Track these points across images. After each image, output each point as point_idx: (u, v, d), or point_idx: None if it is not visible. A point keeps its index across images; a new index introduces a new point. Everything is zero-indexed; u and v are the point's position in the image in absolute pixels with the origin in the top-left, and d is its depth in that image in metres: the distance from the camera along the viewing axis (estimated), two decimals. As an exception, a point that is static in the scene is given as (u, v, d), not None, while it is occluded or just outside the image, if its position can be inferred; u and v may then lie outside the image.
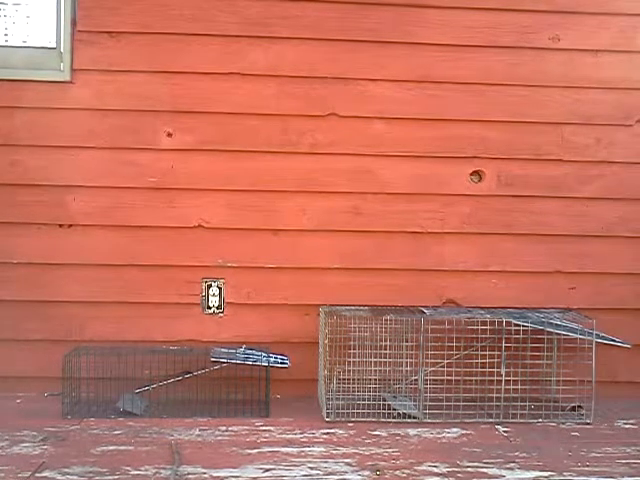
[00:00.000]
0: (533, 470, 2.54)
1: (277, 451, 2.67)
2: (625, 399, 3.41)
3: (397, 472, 2.49)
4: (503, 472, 2.52)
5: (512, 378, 3.13)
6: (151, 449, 2.67)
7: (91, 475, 2.41)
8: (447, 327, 3.16)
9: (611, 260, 3.49)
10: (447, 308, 3.39)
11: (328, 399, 3.11)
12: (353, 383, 3.24)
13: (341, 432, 2.91)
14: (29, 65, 3.32)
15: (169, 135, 3.34)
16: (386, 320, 3.24)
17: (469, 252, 3.45)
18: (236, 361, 3.12)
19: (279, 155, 3.37)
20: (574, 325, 3.16)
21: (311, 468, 2.52)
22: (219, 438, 2.81)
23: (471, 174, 3.45)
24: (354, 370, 3.23)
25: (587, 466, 2.59)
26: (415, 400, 3.15)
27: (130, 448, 2.67)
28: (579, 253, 3.48)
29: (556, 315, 3.25)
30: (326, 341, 3.19)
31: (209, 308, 3.37)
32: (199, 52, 3.33)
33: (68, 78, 3.29)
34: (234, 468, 2.50)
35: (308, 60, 3.37)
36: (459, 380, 3.16)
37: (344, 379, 3.23)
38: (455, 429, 2.97)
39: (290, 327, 3.39)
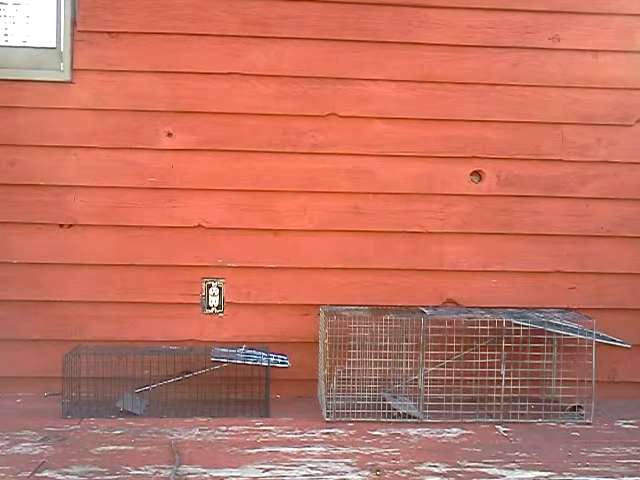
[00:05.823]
0: (533, 470, 2.54)
1: (277, 451, 2.67)
2: (625, 399, 3.42)
3: (397, 472, 2.49)
4: (503, 472, 2.52)
5: (512, 378, 3.13)
6: (151, 449, 2.66)
7: (91, 475, 2.41)
8: (447, 327, 3.16)
9: (611, 260, 3.49)
10: (447, 308, 3.39)
11: (328, 399, 3.11)
12: (353, 383, 3.24)
13: (341, 432, 2.91)
14: (29, 65, 3.32)
15: (169, 135, 3.34)
16: (386, 320, 3.25)
17: (469, 252, 3.45)
18: (236, 361, 3.12)
19: (279, 155, 3.37)
20: (574, 325, 3.16)
21: (311, 468, 2.52)
22: (219, 438, 2.81)
23: (471, 174, 3.45)
24: (354, 370, 3.23)
25: (587, 466, 2.59)
26: (415, 400, 3.15)
27: (130, 448, 2.67)
28: (579, 253, 3.48)
29: (556, 315, 3.25)
30: (326, 341, 3.19)
31: (209, 308, 3.37)
32: (199, 52, 3.33)
33: (68, 78, 3.29)
34: (234, 468, 2.50)
35: (308, 60, 3.37)
36: (459, 380, 3.16)
37: (344, 379, 3.23)
38: (455, 429, 2.97)
39: (290, 327, 3.39)
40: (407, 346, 3.23)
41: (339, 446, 2.74)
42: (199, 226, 3.36)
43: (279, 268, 3.39)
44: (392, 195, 3.42)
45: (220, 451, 2.66)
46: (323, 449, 2.71)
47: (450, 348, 3.18)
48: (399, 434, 2.90)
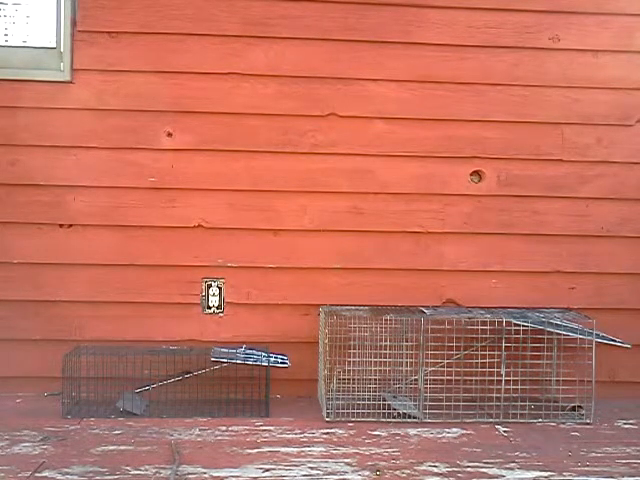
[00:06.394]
0: (533, 470, 2.54)
1: (277, 451, 2.67)
2: (625, 399, 3.41)
3: (397, 472, 2.49)
4: (503, 472, 2.52)
5: (512, 378, 3.13)
6: (151, 449, 2.67)
7: (91, 475, 2.41)
8: (447, 327, 3.16)
9: (611, 260, 3.49)
10: (447, 308, 3.39)
11: (328, 399, 3.11)
12: (353, 383, 3.24)
13: (341, 432, 2.91)
14: (29, 65, 3.32)
15: (169, 135, 3.34)
16: (386, 320, 3.24)
17: (469, 252, 3.45)
18: (236, 361, 3.12)
19: (279, 155, 3.37)
20: (574, 325, 3.16)
21: (311, 468, 2.52)
22: (219, 438, 2.81)
23: (471, 174, 3.45)
24: (354, 370, 3.23)
25: (587, 466, 2.59)
26: (415, 400, 3.15)
27: (130, 448, 2.67)
28: (579, 253, 3.48)
29: (556, 315, 3.25)
30: (326, 341, 3.19)
31: (209, 308, 3.37)
32: (199, 52, 3.33)
33: (68, 78, 3.29)
34: (234, 468, 2.50)
35: (308, 60, 3.37)
36: (459, 380, 3.16)
37: (344, 379, 3.23)
38: (455, 429, 2.97)
39: (290, 327, 3.38)
40: (407, 346, 3.23)
41: (339, 446, 2.74)
42: (199, 226, 3.36)
43: (279, 268, 3.39)
44: (392, 195, 3.42)
45: (220, 451, 2.66)
46: (323, 449, 2.71)
47: (450, 348, 3.18)
48: (399, 434, 2.90)
